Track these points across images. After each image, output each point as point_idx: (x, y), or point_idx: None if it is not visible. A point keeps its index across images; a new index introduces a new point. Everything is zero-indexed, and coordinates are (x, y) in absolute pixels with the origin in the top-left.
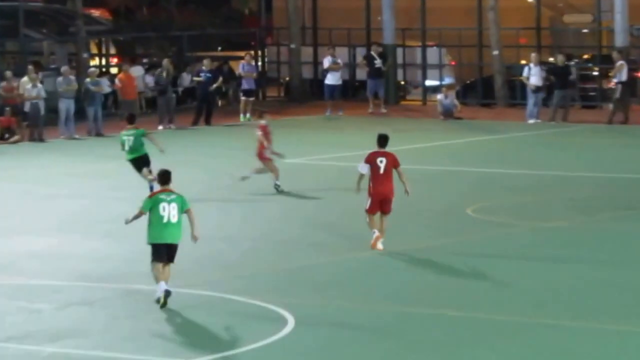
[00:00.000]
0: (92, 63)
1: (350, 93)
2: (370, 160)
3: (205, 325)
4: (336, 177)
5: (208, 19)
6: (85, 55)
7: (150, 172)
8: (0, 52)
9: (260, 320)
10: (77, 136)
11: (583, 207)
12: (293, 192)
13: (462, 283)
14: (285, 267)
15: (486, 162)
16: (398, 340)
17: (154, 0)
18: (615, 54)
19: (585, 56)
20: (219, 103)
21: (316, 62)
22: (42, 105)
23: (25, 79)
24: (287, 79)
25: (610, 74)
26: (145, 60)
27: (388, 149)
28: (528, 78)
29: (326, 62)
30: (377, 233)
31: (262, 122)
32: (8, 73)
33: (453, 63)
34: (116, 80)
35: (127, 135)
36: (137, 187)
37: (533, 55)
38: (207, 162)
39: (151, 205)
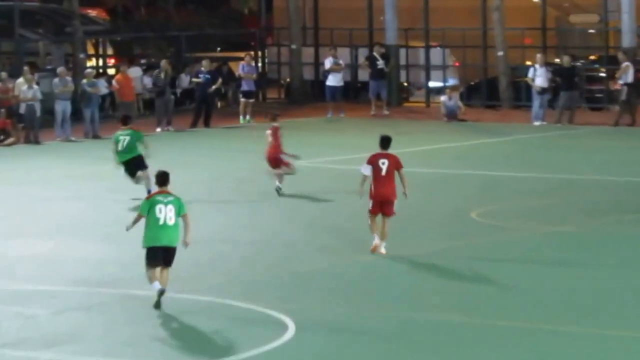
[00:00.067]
0: (89, 64)
1: (352, 95)
2: (373, 161)
3: (205, 331)
4: (337, 180)
5: (207, 19)
6: (82, 56)
7: (147, 176)
8: None
9: (260, 326)
10: (73, 138)
11: (589, 210)
12: (294, 195)
13: (466, 287)
14: (286, 271)
15: (491, 164)
16: (401, 346)
17: (152, 0)
18: (620, 55)
19: (592, 57)
20: (218, 105)
21: (317, 63)
22: (38, 106)
23: (20, 80)
24: (288, 80)
25: (616, 75)
26: (143, 61)
27: (391, 151)
28: (533, 79)
29: (327, 63)
30: (376, 240)
31: (275, 124)
32: (3, 74)
33: (457, 64)
34: (113, 82)
35: (123, 135)
36: (135, 189)
37: (538, 56)
38: (206, 164)
39: (148, 207)
